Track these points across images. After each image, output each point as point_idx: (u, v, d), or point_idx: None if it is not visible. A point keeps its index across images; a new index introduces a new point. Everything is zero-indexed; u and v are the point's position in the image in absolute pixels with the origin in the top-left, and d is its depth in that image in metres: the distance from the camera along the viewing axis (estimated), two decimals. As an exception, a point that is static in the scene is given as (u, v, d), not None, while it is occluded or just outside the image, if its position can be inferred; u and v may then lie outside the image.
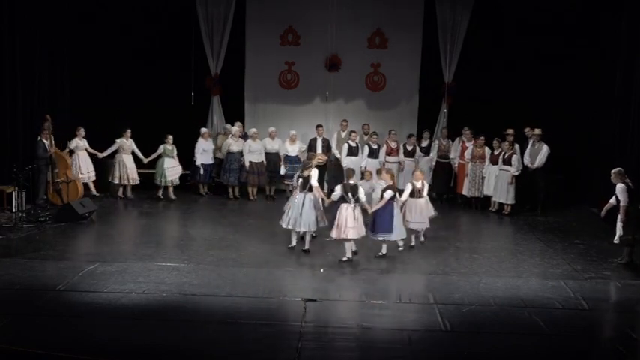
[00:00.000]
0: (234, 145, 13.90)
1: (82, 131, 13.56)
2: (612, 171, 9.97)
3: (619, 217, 9.80)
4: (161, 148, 13.69)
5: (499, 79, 14.50)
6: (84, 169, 13.53)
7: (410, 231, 10.29)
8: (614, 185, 9.88)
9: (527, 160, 13.28)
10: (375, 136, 13.98)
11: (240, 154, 13.90)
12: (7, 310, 7.32)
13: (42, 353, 6.26)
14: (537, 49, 14.44)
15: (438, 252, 10.33)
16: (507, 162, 13.02)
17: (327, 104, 15.32)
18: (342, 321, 7.31)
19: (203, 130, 14.14)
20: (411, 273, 9.29)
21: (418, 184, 10.39)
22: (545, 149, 13.17)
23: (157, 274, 8.69)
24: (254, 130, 14.04)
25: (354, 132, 14.15)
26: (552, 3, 14.14)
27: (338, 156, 14.04)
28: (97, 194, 13.58)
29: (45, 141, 12.56)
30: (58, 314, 7.32)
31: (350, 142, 13.98)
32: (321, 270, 9.18)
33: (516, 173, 12.98)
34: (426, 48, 15.14)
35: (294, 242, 10.15)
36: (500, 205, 13.20)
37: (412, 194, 10.26)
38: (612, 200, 9.94)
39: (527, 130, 13.48)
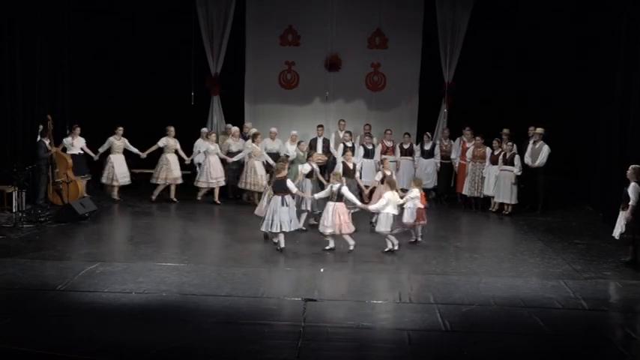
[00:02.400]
0: (233, 145, 13.89)
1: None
2: (631, 166, 9.73)
3: (622, 213, 9.70)
4: (163, 141, 13.51)
5: (499, 79, 14.52)
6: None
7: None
8: (628, 181, 9.69)
9: (527, 160, 13.29)
10: (369, 137, 13.98)
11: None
12: (7, 310, 7.32)
13: (42, 353, 6.26)
14: (537, 49, 14.45)
15: (438, 252, 10.33)
16: (509, 162, 13.01)
17: (327, 104, 15.33)
18: (342, 321, 7.30)
19: (204, 130, 14.11)
20: (411, 273, 9.29)
21: (334, 187, 10.06)
22: (546, 149, 13.17)
23: (157, 274, 8.68)
24: (254, 130, 14.02)
25: (349, 132, 14.16)
26: (552, 3, 14.15)
27: (336, 155, 14.05)
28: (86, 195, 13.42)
29: (45, 141, 12.55)
30: (58, 314, 7.31)
31: (346, 142, 13.97)
32: (321, 270, 9.17)
33: (519, 173, 12.98)
34: (426, 48, 15.16)
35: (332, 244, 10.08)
36: (501, 205, 13.20)
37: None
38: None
39: (530, 129, 13.49)
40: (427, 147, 14.17)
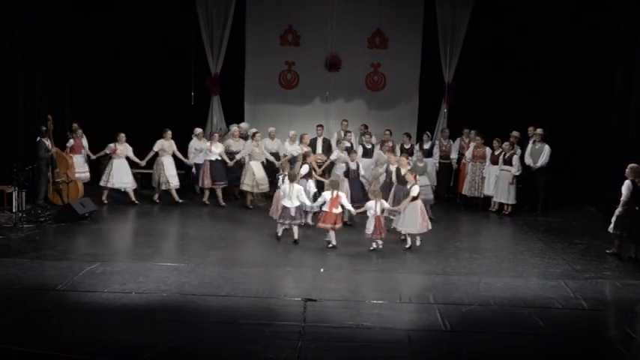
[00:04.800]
0: (233, 145, 13.86)
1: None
2: (630, 165, 10.01)
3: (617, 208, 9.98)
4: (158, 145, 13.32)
5: (499, 79, 14.52)
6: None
7: None
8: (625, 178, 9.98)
9: (528, 160, 13.29)
10: (368, 136, 13.98)
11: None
12: (7, 310, 7.32)
13: (42, 353, 6.26)
14: (537, 49, 14.45)
15: (438, 252, 10.33)
16: (508, 162, 13.02)
17: (327, 104, 15.35)
18: (342, 321, 7.30)
19: (197, 130, 14.03)
20: (411, 273, 9.29)
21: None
22: (547, 149, 13.17)
23: (156, 274, 8.68)
24: (254, 130, 14.00)
25: (349, 132, 14.16)
26: (552, 3, 14.15)
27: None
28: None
29: (46, 141, 12.55)
30: (58, 314, 7.31)
31: (345, 141, 13.95)
32: (321, 270, 9.18)
33: (517, 173, 12.98)
34: (426, 48, 15.18)
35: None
36: (501, 205, 13.20)
37: None
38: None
39: (530, 129, 13.49)
40: (426, 146, 14.16)
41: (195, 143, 13.82)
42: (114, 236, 11.09)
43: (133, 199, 13.26)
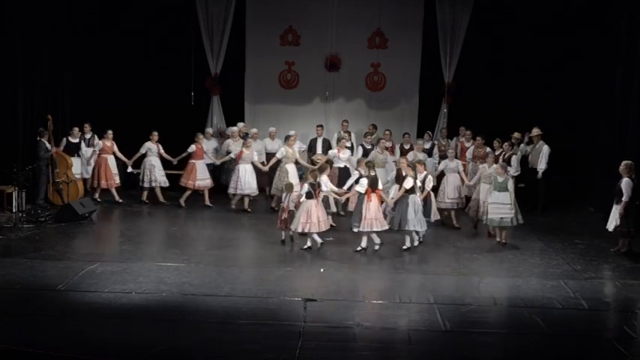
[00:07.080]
0: (233, 145, 13.85)
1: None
2: (623, 162, 10.05)
3: (616, 207, 9.97)
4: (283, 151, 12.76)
5: (499, 79, 14.52)
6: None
7: None
8: (620, 177, 10.00)
9: (529, 160, 13.31)
10: (369, 137, 13.97)
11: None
12: (7, 310, 7.32)
13: (42, 353, 6.26)
14: (537, 49, 14.45)
15: (438, 252, 10.33)
16: (507, 162, 12.99)
17: (327, 104, 15.34)
18: (342, 321, 7.30)
19: (209, 129, 14.04)
20: (411, 273, 9.29)
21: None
22: (545, 149, 13.17)
23: (156, 274, 8.69)
24: (255, 130, 14.02)
25: (348, 132, 14.15)
26: (552, 3, 14.16)
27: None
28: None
29: (46, 141, 12.55)
30: (58, 314, 7.32)
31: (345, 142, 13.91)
32: (321, 270, 9.18)
33: (515, 174, 12.96)
34: (426, 48, 15.17)
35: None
36: (501, 204, 13.17)
37: None
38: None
39: (534, 130, 13.45)
40: (427, 146, 14.15)
41: (204, 144, 13.55)
42: (114, 236, 11.09)
43: (247, 206, 12.93)
